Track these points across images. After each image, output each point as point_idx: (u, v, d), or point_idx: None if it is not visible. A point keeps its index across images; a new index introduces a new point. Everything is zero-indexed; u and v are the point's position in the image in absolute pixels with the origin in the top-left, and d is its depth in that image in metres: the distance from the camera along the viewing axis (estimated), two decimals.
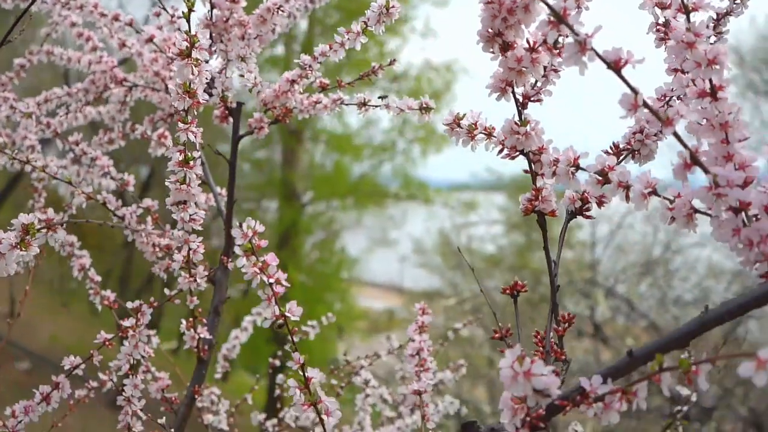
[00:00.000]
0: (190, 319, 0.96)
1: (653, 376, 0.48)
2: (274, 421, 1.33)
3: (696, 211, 0.54)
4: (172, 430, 0.94)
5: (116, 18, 1.09)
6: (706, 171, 0.51)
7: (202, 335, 0.96)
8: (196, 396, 0.98)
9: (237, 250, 0.61)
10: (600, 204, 0.67)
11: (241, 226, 0.61)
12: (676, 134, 0.51)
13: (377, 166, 12.05)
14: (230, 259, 0.98)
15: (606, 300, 5.50)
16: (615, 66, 0.50)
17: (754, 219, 0.52)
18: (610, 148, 0.69)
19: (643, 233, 7.55)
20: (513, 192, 11.16)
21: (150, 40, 1.03)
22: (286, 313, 0.63)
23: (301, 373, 0.65)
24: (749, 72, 9.03)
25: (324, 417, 0.64)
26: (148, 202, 1.05)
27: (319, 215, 11.98)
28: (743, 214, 0.51)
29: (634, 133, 0.69)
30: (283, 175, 11.11)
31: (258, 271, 0.62)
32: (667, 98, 0.70)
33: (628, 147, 0.69)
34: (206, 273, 0.91)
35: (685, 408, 1.07)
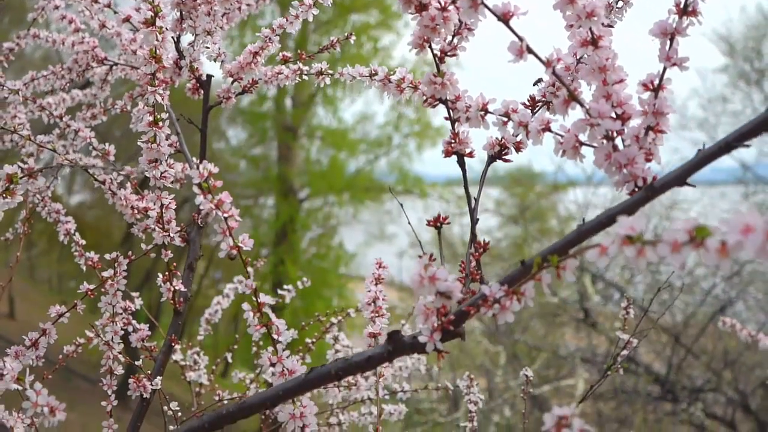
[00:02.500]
0: (166, 273, 1.05)
1: (535, 276, 0.57)
2: (252, 375, 1.42)
3: (581, 143, 0.63)
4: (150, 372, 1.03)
5: (95, 0, 1.18)
6: (582, 105, 0.60)
7: (177, 288, 1.05)
8: (173, 344, 1.07)
9: (195, 188, 0.70)
10: (518, 149, 0.76)
11: (198, 167, 0.70)
12: (555, 74, 0.60)
13: (373, 161, 12.15)
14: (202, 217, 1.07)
15: (593, 285, 5.60)
16: (504, 18, 0.59)
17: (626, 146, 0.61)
18: (528, 100, 0.78)
19: None
20: (508, 185, 11.27)
21: (127, 19, 1.12)
22: (240, 244, 0.72)
23: (254, 298, 0.74)
24: (740, 62, 9.12)
25: (275, 336, 0.74)
26: (128, 168, 1.14)
27: (316, 211, 12.08)
28: (615, 141, 0.60)
29: (548, 87, 0.77)
30: (280, 172, 11.20)
31: (214, 207, 0.71)
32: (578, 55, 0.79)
33: (543, 99, 0.78)
34: (179, 228, 1.00)
35: (625, 352, 1.16)
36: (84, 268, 1.16)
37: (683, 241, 0.43)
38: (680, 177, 0.56)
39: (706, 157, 0.55)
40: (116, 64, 1.27)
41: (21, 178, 0.74)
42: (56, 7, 1.27)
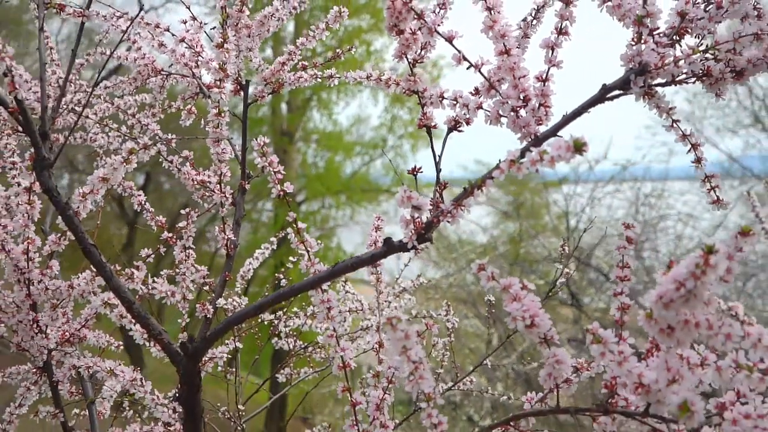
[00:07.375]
0: (222, 225, 1.43)
1: (471, 193, 0.95)
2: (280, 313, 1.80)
3: (500, 115, 1.02)
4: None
5: (157, 26, 1.56)
6: (497, 91, 0.98)
7: (229, 237, 1.43)
8: (227, 279, 1.45)
9: (254, 152, 1.08)
10: (467, 123, 1.14)
11: (256, 139, 1.08)
12: (480, 73, 0.98)
13: (368, 163, 12.54)
14: (247, 182, 1.45)
15: (578, 270, 5.99)
16: (449, 39, 0.98)
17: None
18: (473, 89, 1.16)
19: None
20: (502, 183, 11.67)
21: (182, 40, 1.50)
22: (284, 189, 1.10)
23: (295, 225, 1.12)
24: None
25: (309, 249, 1.12)
26: (186, 153, 1.52)
27: (314, 213, 12.45)
28: (519, 113, 0.99)
29: (483, 82, 1.16)
30: None
31: (267, 164, 1.09)
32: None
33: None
34: (232, 191, 1.38)
35: (563, 280, 1.54)
36: (155, 228, 1.54)
37: (536, 160, 0.81)
38: (553, 131, 0.94)
39: (567, 118, 0.93)
40: (170, 74, 1.66)
41: (138, 150, 1.12)
42: (123, 31, 1.65)
